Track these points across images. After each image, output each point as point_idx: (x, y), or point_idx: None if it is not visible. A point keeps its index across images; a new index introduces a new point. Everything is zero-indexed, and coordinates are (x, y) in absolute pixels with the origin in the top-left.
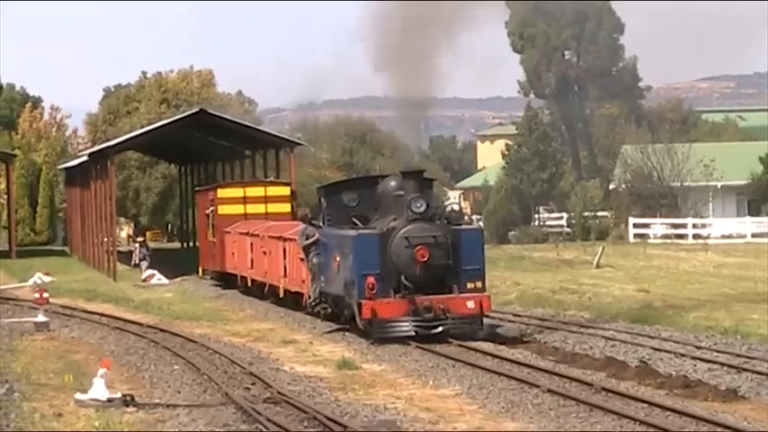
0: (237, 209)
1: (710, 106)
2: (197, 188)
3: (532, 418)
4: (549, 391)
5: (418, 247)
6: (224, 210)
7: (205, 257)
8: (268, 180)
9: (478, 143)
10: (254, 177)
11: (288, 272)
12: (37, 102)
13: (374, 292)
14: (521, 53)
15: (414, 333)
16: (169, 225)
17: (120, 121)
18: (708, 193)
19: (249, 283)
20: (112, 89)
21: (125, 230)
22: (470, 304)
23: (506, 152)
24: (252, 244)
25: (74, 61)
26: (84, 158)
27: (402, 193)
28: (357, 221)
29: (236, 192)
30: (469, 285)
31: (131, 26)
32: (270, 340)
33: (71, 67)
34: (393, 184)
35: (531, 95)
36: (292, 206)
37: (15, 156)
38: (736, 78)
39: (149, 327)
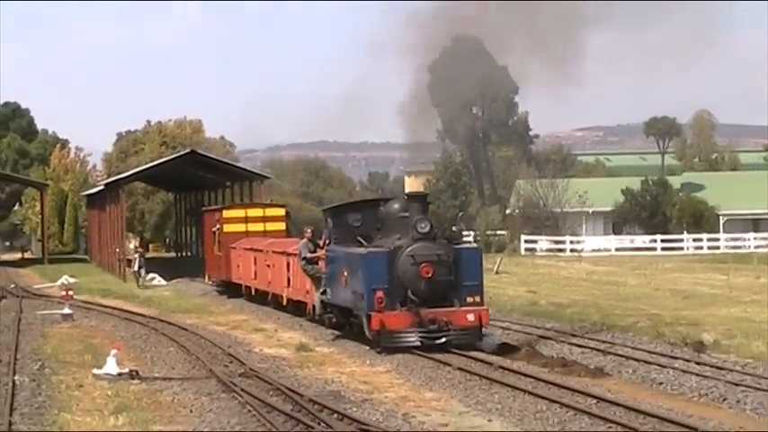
0: (240, 227)
1: (584, 150)
2: (204, 209)
3: (446, 389)
4: (459, 368)
5: (423, 265)
6: (229, 228)
7: (211, 268)
8: (266, 203)
9: (406, 177)
10: (233, 203)
11: (291, 283)
12: (65, 143)
13: (383, 305)
14: (438, 108)
15: (419, 343)
16: (167, 239)
17: (129, 158)
18: (581, 217)
19: (253, 292)
20: (123, 134)
21: (132, 243)
22: (470, 317)
23: (427, 184)
24: (255, 258)
25: (94, 111)
26: (102, 187)
27: (407, 214)
28: (361, 240)
29: (239, 212)
30: (469, 300)
31: (140, 83)
32: (244, 328)
33: (92, 115)
34: (397, 206)
35: (447, 141)
36: (287, 225)
37: (48, 185)
38: (604, 129)
39: (151, 318)
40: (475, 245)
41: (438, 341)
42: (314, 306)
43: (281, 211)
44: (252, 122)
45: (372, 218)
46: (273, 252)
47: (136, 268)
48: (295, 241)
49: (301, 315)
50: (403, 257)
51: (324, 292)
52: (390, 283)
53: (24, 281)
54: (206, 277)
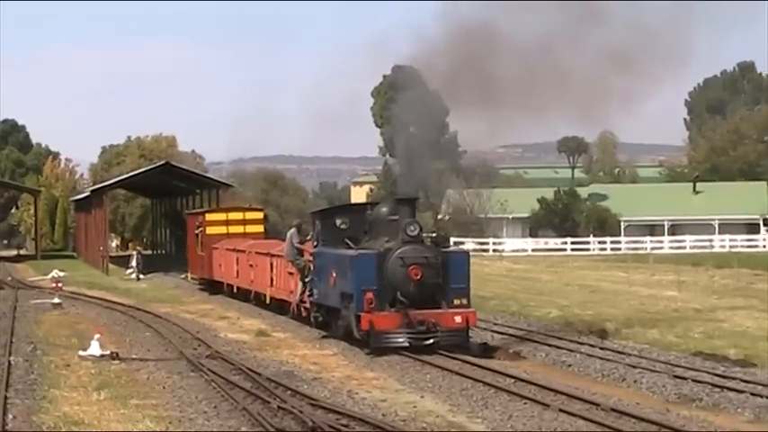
0: (221, 229)
1: (505, 164)
2: (187, 212)
3: (384, 370)
4: (396, 352)
5: (412, 267)
6: (211, 230)
7: (194, 266)
8: (246, 207)
9: (352, 187)
10: (202, 208)
11: (275, 282)
12: (56, 155)
13: (372, 305)
14: (380, 127)
15: (408, 344)
16: (144, 239)
17: (112, 169)
18: (503, 222)
19: (234, 290)
20: (107, 147)
21: (114, 242)
22: (458, 319)
23: (370, 193)
24: (238, 258)
25: (82, 127)
26: (88, 194)
27: (396, 217)
28: (349, 242)
29: (221, 216)
30: (456, 302)
31: (122, 103)
32: (211, 316)
33: (80, 131)
34: (386, 209)
35: (387, 155)
36: (265, 227)
37: (41, 191)
38: (523, 146)
39: (130, 306)
40: (463, 249)
41: (426, 342)
42: (297, 305)
43: (260, 215)
44: (238, 136)
45: (360, 221)
46: (257, 253)
47: (134, 264)
48: (277, 243)
49: (284, 313)
50: (392, 259)
51: (311, 293)
52: (380, 284)
53: (20, 274)
54: (188, 275)
